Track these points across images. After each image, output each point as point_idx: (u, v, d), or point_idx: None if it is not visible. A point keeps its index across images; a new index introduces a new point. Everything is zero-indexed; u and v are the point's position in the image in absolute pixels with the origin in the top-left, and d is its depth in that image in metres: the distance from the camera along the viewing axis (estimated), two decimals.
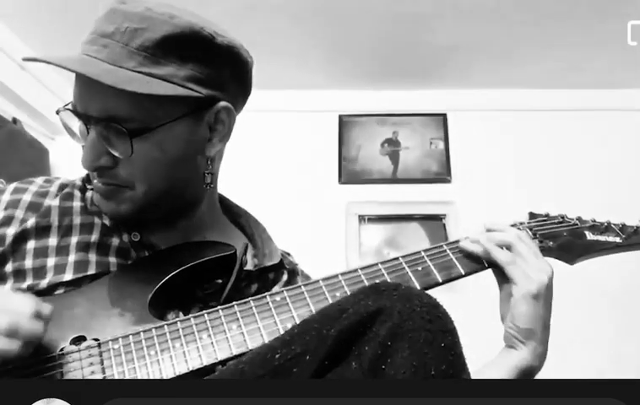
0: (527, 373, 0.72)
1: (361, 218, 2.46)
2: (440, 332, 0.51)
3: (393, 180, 2.54)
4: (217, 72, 0.74)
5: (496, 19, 2.09)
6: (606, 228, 0.90)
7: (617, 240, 0.88)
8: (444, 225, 2.43)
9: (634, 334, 2.21)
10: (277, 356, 0.51)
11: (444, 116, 2.60)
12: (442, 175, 2.52)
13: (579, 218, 0.91)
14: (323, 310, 0.56)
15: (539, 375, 0.73)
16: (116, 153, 0.71)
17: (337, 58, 2.39)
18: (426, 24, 2.14)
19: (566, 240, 0.86)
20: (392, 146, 2.59)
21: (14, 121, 2.25)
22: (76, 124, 0.75)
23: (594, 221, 0.91)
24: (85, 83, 0.69)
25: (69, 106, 0.73)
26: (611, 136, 2.51)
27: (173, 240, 0.80)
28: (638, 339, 2.20)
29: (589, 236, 0.88)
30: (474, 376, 0.72)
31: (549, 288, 0.74)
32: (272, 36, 2.21)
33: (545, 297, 0.73)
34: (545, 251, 0.84)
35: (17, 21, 2.11)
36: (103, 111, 0.69)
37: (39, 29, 2.15)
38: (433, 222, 2.45)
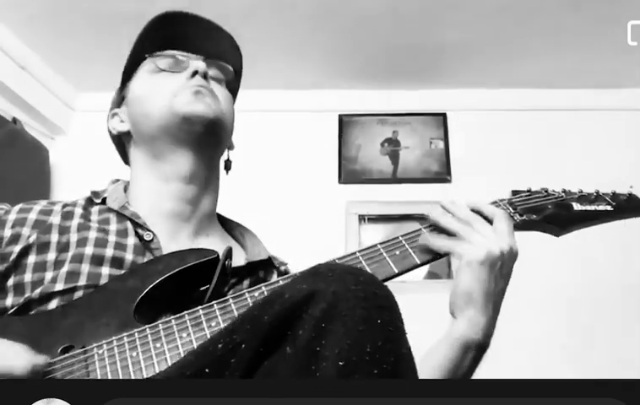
0: (468, 346, 0.70)
1: (361, 218, 2.46)
2: (376, 309, 0.49)
3: (393, 179, 2.54)
4: None
5: (496, 19, 2.10)
6: (596, 197, 0.87)
7: (608, 208, 0.85)
8: None
9: (634, 334, 2.21)
10: (219, 346, 0.50)
11: (444, 115, 2.61)
12: (442, 174, 2.52)
13: (565, 190, 0.88)
14: (266, 296, 0.55)
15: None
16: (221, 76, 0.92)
17: (337, 58, 2.39)
18: (426, 24, 2.14)
19: (551, 213, 0.84)
20: (392, 146, 2.59)
21: (14, 121, 2.25)
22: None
23: (582, 192, 0.88)
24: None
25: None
26: (611, 136, 2.51)
27: (183, 245, 0.83)
28: (638, 339, 2.20)
29: (577, 207, 0.85)
30: (427, 354, 0.72)
31: (500, 261, 0.72)
32: (272, 36, 2.21)
33: (491, 268, 0.71)
34: (528, 225, 0.82)
35: (17, 21, 2.11)
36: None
37: (39, 29, 2.15)
38: None
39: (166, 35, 0.89)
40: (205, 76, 0.86)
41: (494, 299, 0.73)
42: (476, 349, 0.71)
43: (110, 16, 2.04)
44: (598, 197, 0.87)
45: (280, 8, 2.05)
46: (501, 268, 0.73)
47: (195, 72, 0.85)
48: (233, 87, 0.95)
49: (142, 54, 0.90)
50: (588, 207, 0.85)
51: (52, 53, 2.31)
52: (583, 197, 0.87)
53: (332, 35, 2.22)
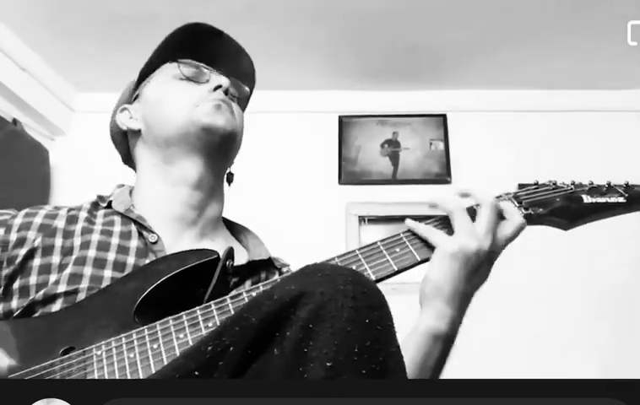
0: (436, 336, 0.70)
1: (361, 219, 2.46)
2: (365, 309, 0.49)
3: (393, 180, 2.54)
4: None
5: (496, 20, 2.10)
6: (607, 189, 0.83)
7: (620, 199, 0.82)
8: None
9: (634, 334, 2.21)
10: (209, 348, 0.50)
11: (444, 116, 2.60)
12: (442, 176, 2.52)
13: (574, 183, 0.85)
14: (255, 297, 0.55)
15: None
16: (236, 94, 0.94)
17: (337, 59, 2.39)
18: (427, 25, 2.14)
19: (560, 206, 0.81)
20: (392, 146, 2.59)
21: (14, 121, 2.25)
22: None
23: (592, 183, 0.84)
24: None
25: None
26: (611, 136, 2.51)
27: (187, 247, 0.83)
28: (638, 339, 2.20)
29: (587, 199, 0.82)
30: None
31: (475, 257, 0.71)
32: (272, 37, 2.21)
33: (464, 263, 0.71)
34: (535, 219, 0.79)
35: (17, 21, 2.11)
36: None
37: (39, 29, 2.15)
38: None
39: (194, 45, 0.91)
40: (227, 92, 0.88)
41: (464, 293, 0.72)
42: (443, 340, 0.70)
43: (110, 16, 2.04)
44: (610, 189, 0.83)
45: (280, 8, 2.05)
46: (475, 266, 0.72)
47: (218, 87, 0.88)
48: (243, 106, 0.98)
49: (166, 56, 0.91)
50: (599, 199, 0.82)
51: (52, 53, 2.31)
52: (594, 189, 0.83)
53: (332, 35, 2.22)
